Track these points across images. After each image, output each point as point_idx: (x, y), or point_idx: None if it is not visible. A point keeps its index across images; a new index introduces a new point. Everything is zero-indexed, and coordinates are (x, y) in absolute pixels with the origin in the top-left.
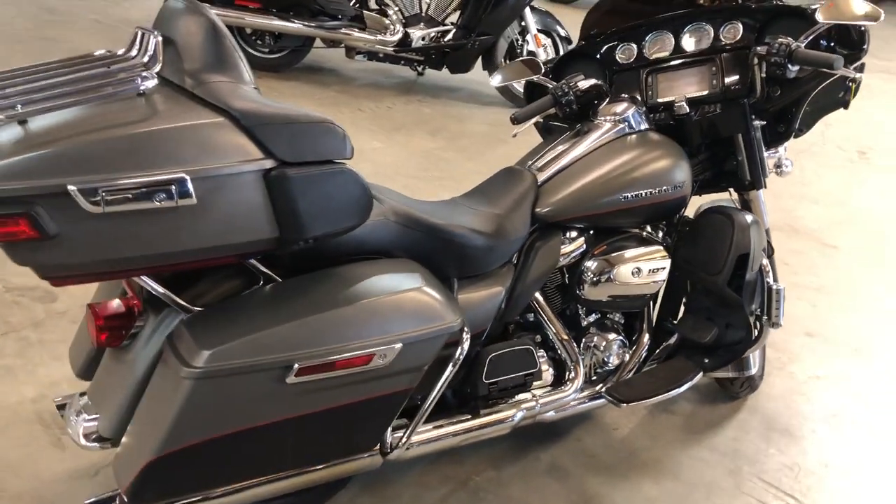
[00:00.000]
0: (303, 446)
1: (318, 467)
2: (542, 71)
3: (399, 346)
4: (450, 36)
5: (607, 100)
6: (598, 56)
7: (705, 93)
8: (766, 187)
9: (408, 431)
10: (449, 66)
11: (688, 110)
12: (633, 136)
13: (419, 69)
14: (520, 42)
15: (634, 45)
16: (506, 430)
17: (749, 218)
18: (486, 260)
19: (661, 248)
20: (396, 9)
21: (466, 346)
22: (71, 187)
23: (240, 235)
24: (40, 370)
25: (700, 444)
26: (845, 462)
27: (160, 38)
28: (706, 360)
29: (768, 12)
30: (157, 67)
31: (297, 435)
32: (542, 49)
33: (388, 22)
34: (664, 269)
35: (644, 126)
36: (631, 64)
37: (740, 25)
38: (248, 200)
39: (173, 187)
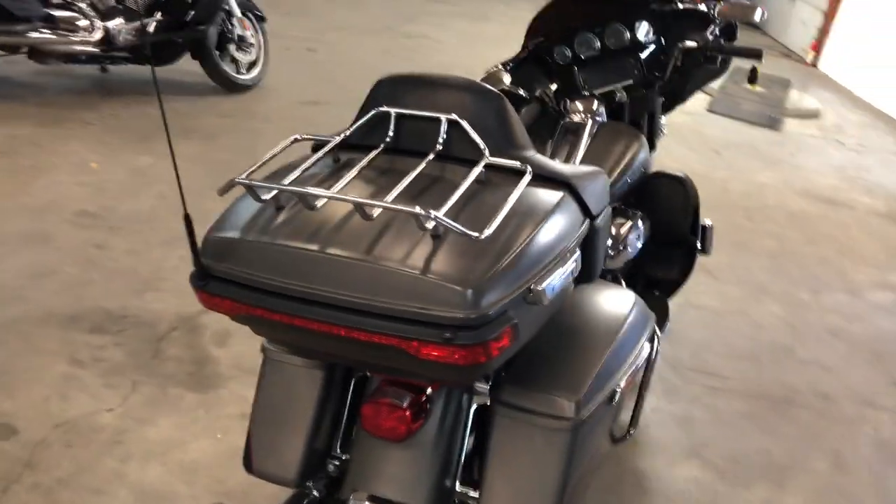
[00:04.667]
0: None
1: None
2: (509, 80)
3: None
4: (155, 27)
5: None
6: (540, 60)
7: (630, 81)
8: (656, 149)
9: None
10: (157, 58)
11: (627, 99)
12: (607, 127)
13: (106, 66)
14: (229, 27)
15: (567, 48)
16: None
17: (689, 177)
18: None
19: (641, 214)
20: (87, 3)
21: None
22: (535, 286)
23: None
24: None
25: None
26: None
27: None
28: (666, 294)
29: (674, 13)
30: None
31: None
32: (250, 32)
33: (83, 20)
34: (646, 232)
35: (604, 118)
36: (568, 63)
37: (647, 25)
38: None
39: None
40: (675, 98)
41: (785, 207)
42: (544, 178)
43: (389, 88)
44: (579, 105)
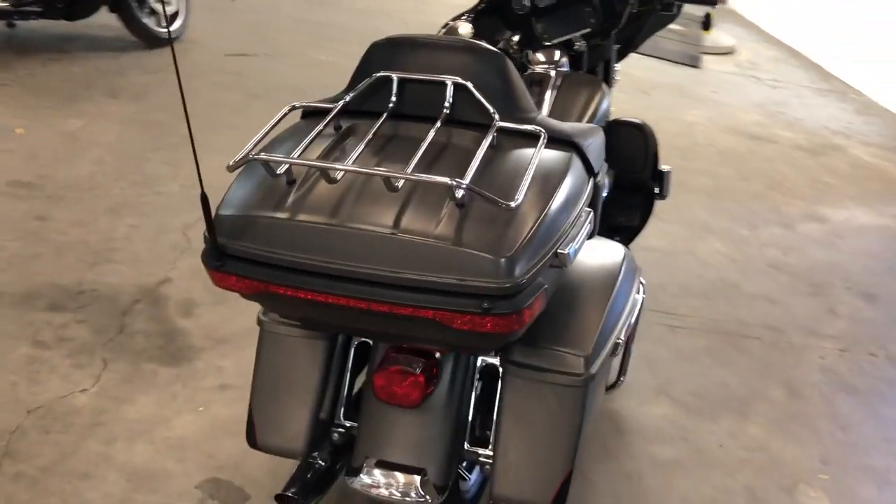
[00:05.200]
0: None
1: None
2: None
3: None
4: None
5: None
6: (498, 10)
7: (588, 30)
8: None
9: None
10: (72, 12)
11: (586, 48)
12: (570, 78)
13: (13, 21)
14: None
15: None
16: None
17: (647, 124)
18: None
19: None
20: None
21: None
22: (561, 250)
23: None
24: None
25: None
26: None
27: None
28: (626, 241)
29: None
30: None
31: None
32: None
33: None
34: (610, 181)
35: (567, 68)
36: (526, 12)
37: None
38: None
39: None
40: (628, 45)
41: (715, 145)
42: (551, 139)
43: (386, 52)
44: (541, 56)
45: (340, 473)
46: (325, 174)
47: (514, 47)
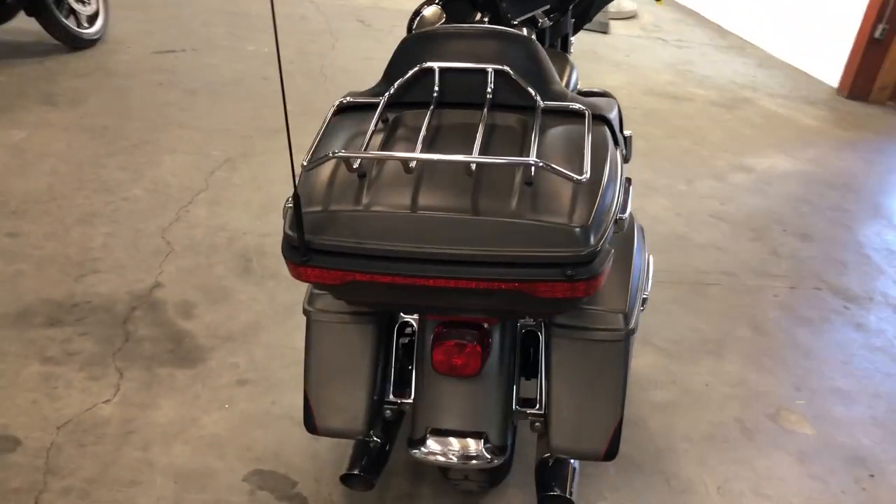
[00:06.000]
0: None
1: None
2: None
3: None
4: None
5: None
6: None
7: (548, 6)
8: None
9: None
10: None
11: (550, 23)
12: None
13: None
14: None
15: None
16: None
17: (610, 92)
18: None
19: None
20: None
21: None
22: (620, 216)
23: None
24: None
25: None
26: None
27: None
28: None
29: None
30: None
31: None
32: None
33: None
34: None
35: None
36: None
37: None
38: None
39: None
40: (583, 18)
41: (639, 107)
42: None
43: (421, 44)
44: None
45: (392, 448)
46: (397, 164)
47: None
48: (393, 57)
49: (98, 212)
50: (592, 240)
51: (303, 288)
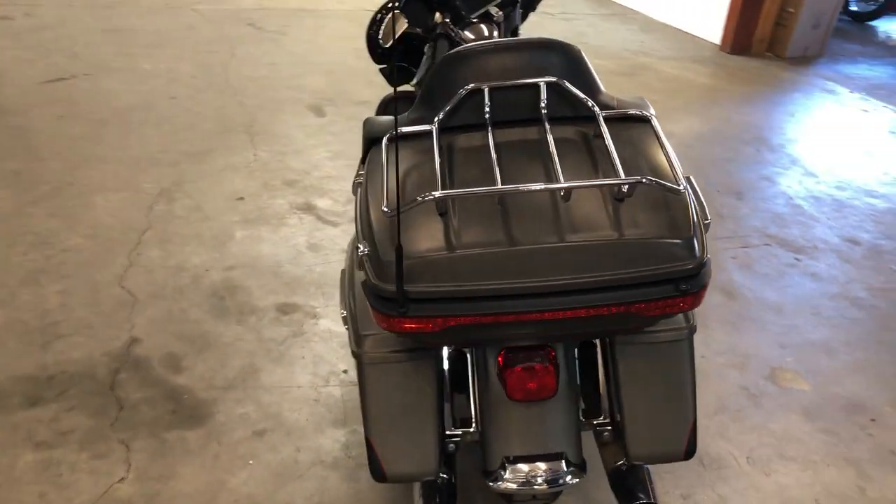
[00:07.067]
0: None
1: None
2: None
3: None
4: None
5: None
6: None
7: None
8: None
9: None
10: None
11: (504, 17)
12: None
13: None
14: None
15: None
16: None
17: None
18: None
19: None
20: None
21: None
22: (706, 220)
23: None
24: None
25: None
26: None
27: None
28: None
29: None
30: None
31: None
32: None
33: None
34: None
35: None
36: None
37: None
38: None
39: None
40: (529, 7)
41: None
42: (631, 118)
43: (460, 65)
44: (470, 34)
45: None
46: (501, 200)
47: (452, 29)
48: (431, 80)
49: (41, 268)
50: (697, 250)
51: (293, 320)
